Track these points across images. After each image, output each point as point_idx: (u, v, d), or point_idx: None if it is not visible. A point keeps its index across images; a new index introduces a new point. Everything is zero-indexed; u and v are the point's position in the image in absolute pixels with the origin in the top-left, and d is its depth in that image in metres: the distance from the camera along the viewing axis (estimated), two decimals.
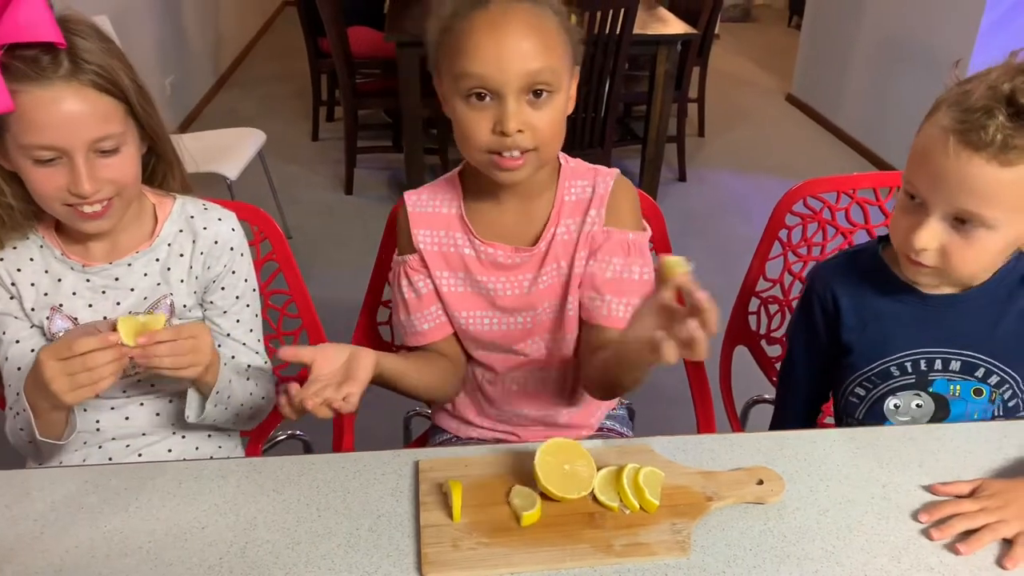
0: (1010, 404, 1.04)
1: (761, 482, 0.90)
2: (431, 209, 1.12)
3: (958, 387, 1.05)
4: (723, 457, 0.96)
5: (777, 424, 1.24)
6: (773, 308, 1.47)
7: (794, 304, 1.38)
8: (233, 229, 1.13)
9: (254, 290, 1.16)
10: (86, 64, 0.92)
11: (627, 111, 4.45)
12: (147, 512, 0.89)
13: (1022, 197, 0.88)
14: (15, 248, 1.05)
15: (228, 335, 1.14)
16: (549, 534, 0.84)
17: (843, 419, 1.14)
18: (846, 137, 4.36)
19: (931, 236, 0.92)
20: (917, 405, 1.07)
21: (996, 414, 1.05)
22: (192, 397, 1.06)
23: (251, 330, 1.15)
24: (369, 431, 1.40)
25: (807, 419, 1.22)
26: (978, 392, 1.04)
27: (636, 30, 3.19)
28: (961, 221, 0.91)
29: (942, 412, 1.06)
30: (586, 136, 3.22)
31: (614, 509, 0.87)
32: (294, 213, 3.46)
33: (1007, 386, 1.03)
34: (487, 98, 0.94)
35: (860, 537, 0.85)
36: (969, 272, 0.96)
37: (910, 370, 1.05)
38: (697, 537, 0.85)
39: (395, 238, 1.18)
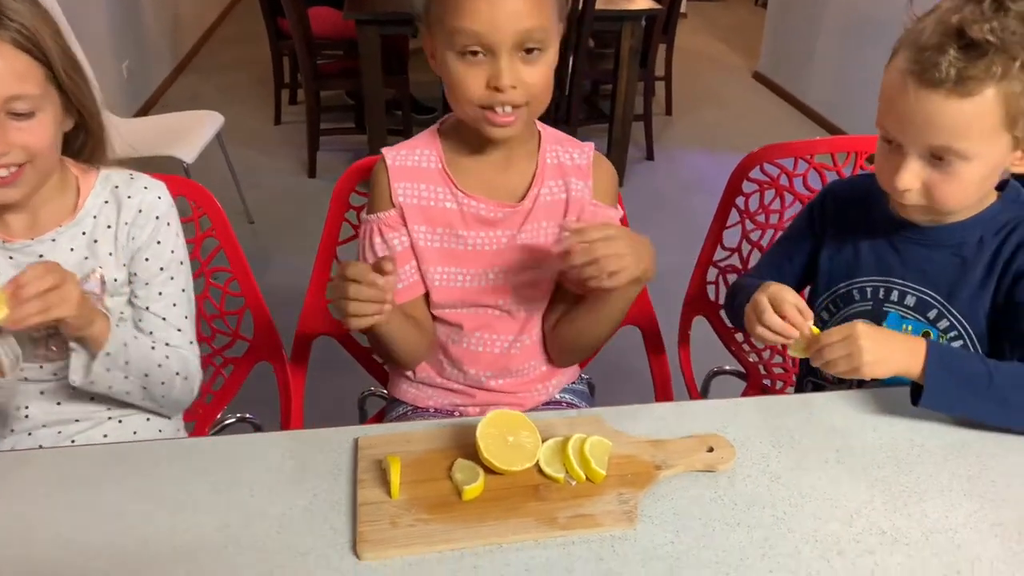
0: None
1: (711, 449, 0.88)
2: (411, 163, 1.10)
3: (909, 327, 1.04)
4: (674, 425, 0.94)
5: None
6: (732, 278, 1.44)
7: None
8: (159, 197, 1.07)
9: (181, 263, 1.10)
10: (8, 21, 0.89)
11: (594, 90, 4.42)
12: (66, 497, 0.84)
13: (990, 124, 0.88)
14: None
15: (147, 308, 1.08)
16: (492, 508, 0.81)
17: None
18: (813, 114, 4.36)
19: (911, 176, 0.92)
20: None
21: None
22: (77, 356, 0.98)
23: (174, 304, 1.09)
24: (322, 413, 1.36)
25: None
26: (926, 335, 1.03)
27: (601, 6, 3.16)
28: (937, 157, 0.91)
29: None
30: (551, 114, 3.18)
31: (560, 481, 0.83)
32: (256, 198, 3.39)
33: (956, 333, 1.02)
34: (480, 54, 0.95)
35: (812, 503, 0.83)
36: (956, 203, 0.95)
37: (869, 296, 1.06)
38: (645, 507, 0.82)
39: (342, 211, 1.14)
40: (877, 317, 1.06)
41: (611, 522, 0.79)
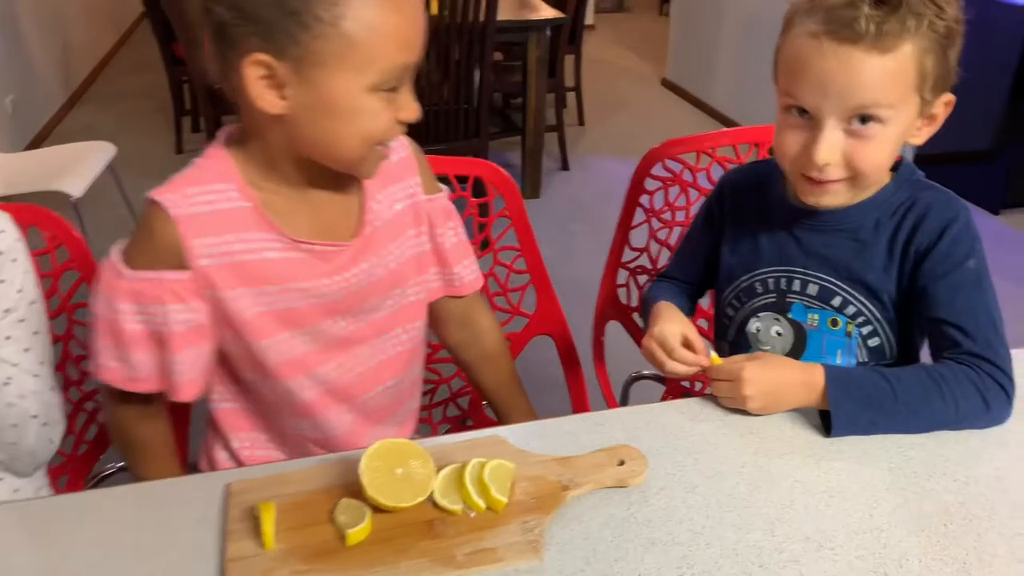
0: (871, 343, 0.98)
1: (623, 463, 0.81)
2: (207, 208, 0.86)
3: (815, 316, 1.00)
4: (584, 439, 0.87)
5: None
6: (643, 279, 1.39)
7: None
8: (2, 231, 0.95)
9: (32, 303, 0.98)
10: None
11: (506, 103, 4.38)
12: None
13: (906, 83, 0.86)
14: None
15: None
16: (381, 551, 0.72)
17: (718, 344, 1.12)
18: (719, 115, 4.43)
19: (831, 147, 0.87)
20: (777, 332, 1.02)
21: (860, 357, 0.99)
22: None
23: (26, 349, 0.97)
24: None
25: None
26: (834, 323, 0.99)
27: (506, 17, 3.13)
28: (859, 121, 0.87)
29: (801, 345, 1.01)
30: (460, 127, 3.12)
31: (457, 513, 0.75)
32: None
33: (864, 319, 0.98)
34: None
35: (731, 513, 0.77)
36: (876, 169, 0.91)
37: (771, 287, 1.02)
38: (552, 534, 0.74)
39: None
40: (782, 309, 1.02)
41: (514, 555, 0.71)
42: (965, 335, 0.89)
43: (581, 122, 4.44)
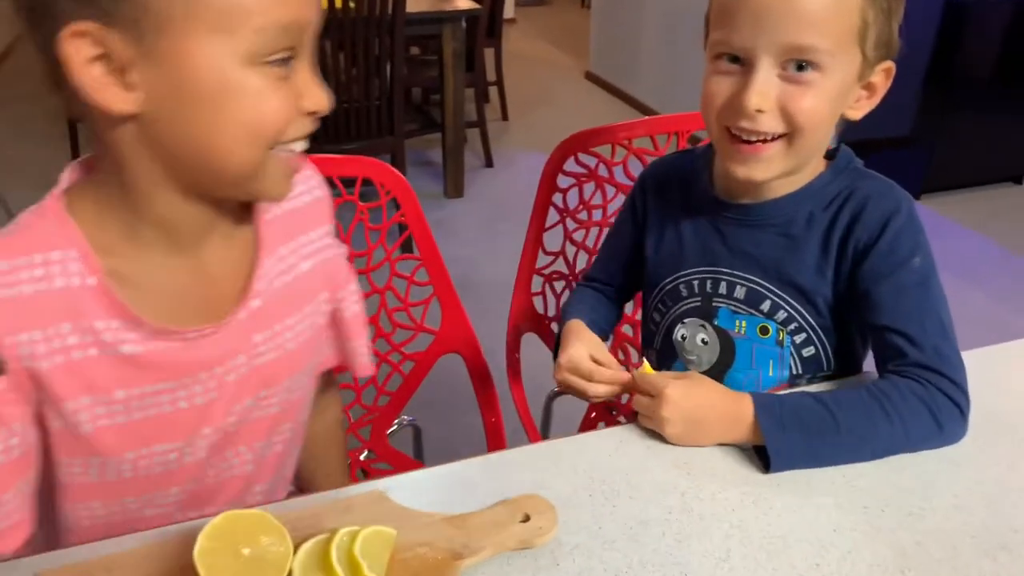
0: (805, 352, 0.88)
1: (527, 518, 0.68)
2: (29, 288, 0.63)
3: (743, 323, 0.89)
4: (484, 487, 0.73)
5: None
6: (560, 285, 1.26)
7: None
8: None
9: None
10: None
11: (426, 98, 4.23)
12: None
13: (847, 26, 0.76)
14: None
15: None
16: None
17: (645, 352, 1.01)
18: (643, 107, 4.37)
19: (763, 92, 0.76)
20: (703, 341, 0.91)
21: (794, 369, 0.88)
22: None
23: None
24: None
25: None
26: (764, 330, 0.88)
27: (418, 9, 2.98)
28: (795, 67, 0.76)
29: (727, 356, 0.90)
30: (373, 125, 2.95)
31: None
32: None
33: (796, 325, 0.87)
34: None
35: (656, 571, 0.64)
36: (814, 120, 0.78)
37: (696, 290, 0.91)
38: None
39: None
40: (707, 314, 0.91)
41: None
42: (911, 344, 0.79)
43: (505, 117, 4.31)
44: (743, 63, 0.78)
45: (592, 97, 4.79)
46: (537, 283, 1.27)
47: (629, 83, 4.54)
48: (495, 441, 1.16)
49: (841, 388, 0.82)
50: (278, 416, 0.80)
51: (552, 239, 1.25)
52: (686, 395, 0.77)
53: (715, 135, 0.83)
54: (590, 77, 4.99)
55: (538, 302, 1.27)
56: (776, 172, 0.82)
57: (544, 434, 1.29)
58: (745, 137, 0.79)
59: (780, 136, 0.79)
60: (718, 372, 0.91)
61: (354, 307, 0.85)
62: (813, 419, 0.75)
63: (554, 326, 1.27)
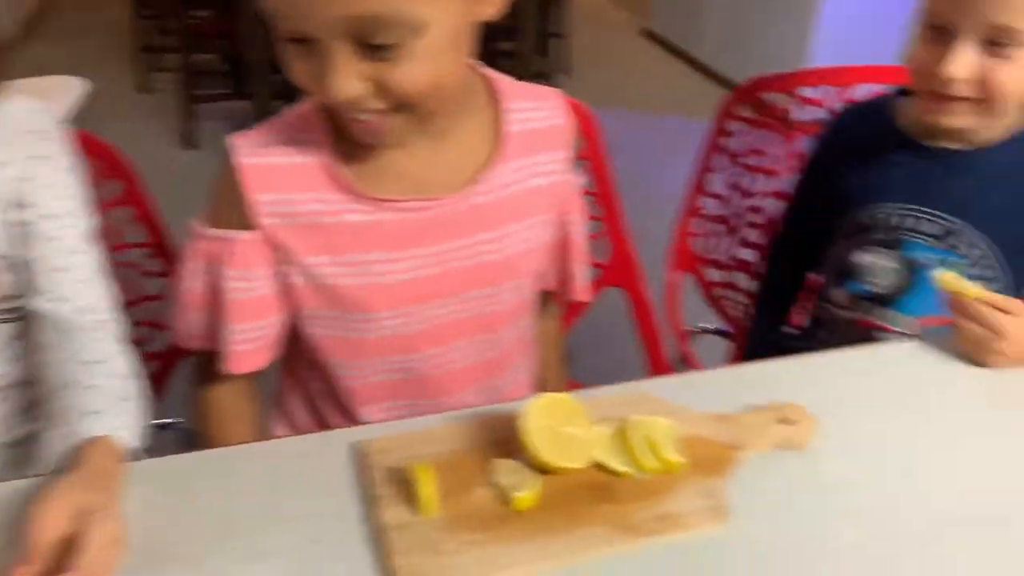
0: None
1: (787, 421, 0.75)
2: (281, 159, 0.75)
3: (933, 256, 0.96)
4: (743, 395, 0.78)
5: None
6: (720, 228, 1.32)
7: (744, 229, 1.26)
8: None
9: None
10: None
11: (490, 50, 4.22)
12: None
13: None
14: None
15: None
16: (551, 517, 0.64)
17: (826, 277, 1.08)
18: (705, 68, 4.34)
19: (961, 63, 0.84)
20: (889, 267, 0.99)
21: None
22: None
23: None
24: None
25: (783, 300, 1.16)
26: (950, 264, 0.95)
27: None
28: (994, 44, 0.83)
29: (910, 283, 0.98)
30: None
31: (626, 475, 0.68)
32: None
33: (988, 262, 0.95)
34: None
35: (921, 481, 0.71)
36: (1008, 97, 0.86)
37: (892, 223, 0.98)
38: (730, 498, 0.68)
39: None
40: (896, 246, 0.98)
41: (699, 521, 0.65)
42: None
43: (566, 72, 4.31)
44: (945, 33, 0.85)
45: (649, 56, 4.77)
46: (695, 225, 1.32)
47: (692, 43, 4.50)
48: (657, 368, 1.22)
49: None
50: (503, 315, 0.86)
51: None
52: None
53: (914, 88, 0.92)
54: (648, 35, 4.96)
55: (697, 243, 1.32)
56: (963, 124, 0.90)
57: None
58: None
59: (974, 99, 0.86)
60: (894, 298, 0.98)
61: (579, 234, 0.92)
62: None
63: (710, 269, 1.32)
